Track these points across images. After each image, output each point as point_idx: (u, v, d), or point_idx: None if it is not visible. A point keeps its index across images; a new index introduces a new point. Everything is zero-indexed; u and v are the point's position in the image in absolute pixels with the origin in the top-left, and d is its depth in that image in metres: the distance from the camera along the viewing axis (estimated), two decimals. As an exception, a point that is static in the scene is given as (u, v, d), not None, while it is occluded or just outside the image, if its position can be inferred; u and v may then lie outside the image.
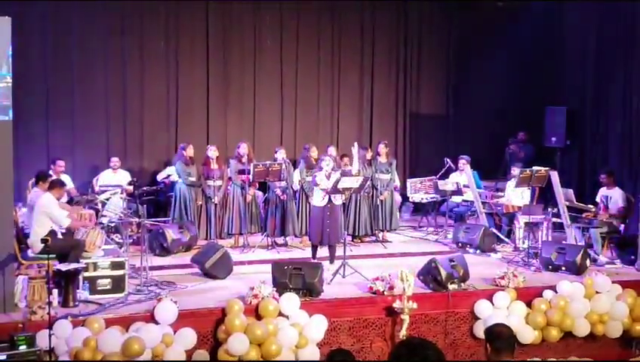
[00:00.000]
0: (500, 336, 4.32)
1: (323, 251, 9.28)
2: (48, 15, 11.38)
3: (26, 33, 10.49)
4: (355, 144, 9.61)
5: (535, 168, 10.32)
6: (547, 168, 10.42)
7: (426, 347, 3.22)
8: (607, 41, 12.11)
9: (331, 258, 9.16)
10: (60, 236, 7.94)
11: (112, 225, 9.99)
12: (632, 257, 9.67)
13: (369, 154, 11.09)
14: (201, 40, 12.49)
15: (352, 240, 10.81)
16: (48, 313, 6.48)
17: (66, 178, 10.33)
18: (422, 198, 12.41)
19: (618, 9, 11.80)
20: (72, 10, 11.55)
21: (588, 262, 9.23)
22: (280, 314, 7.42)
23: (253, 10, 12.79)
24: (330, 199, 9.04)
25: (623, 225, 10.25)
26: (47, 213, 7.79)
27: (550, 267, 9.31)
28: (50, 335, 6.38)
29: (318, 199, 9.13)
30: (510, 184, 11.06)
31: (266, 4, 12.86)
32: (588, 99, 12.65)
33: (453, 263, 8.41)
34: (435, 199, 12.22)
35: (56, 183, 8.24)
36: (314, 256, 9.22)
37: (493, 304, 8.15)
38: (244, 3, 12.71)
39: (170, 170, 11.56)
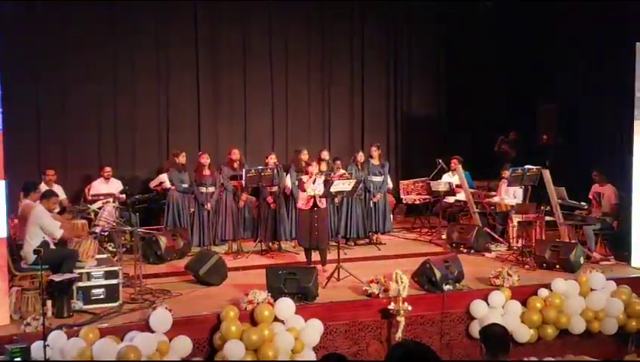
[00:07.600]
0: (495, 336, 4.33)
1: (316, 255, 9.25)
2: (38, 26, 11.35)
3: (15, 43, 10.46)
4: None
5: (527, 167, 10.34)
6: (539, 166, 10.45)
7: (421, 349, 3.21)
8: (596, 38, 12.13)
9: (323, 260, 9.14)
10: (52, 246, 7.90)
11: (105, 234, 9.96)
12: (626, 253, 9.71)
13: (361, 156, 11.06)
14: (190, 47, 12.52)
15: (346, 243, 10.83)
16: (42, 324, 6.44)
17: (58, 188, 10.29)
18: (415, 200, 12.44)
19: (608, 7, 11.84)
20: (62, 21, 11.56)
21: (582, 259, 9.27)
22: (275, 319, 7.39)
23: (242, 17, 12.82)
24: (315, 202, 9.01)
25: (615, 222, 10.29)
26: (39, 224, 7.76)
27: (544, 265, 9.34)
28: (45, 347, 6.33)
29: (303, 202, 9.13)
30: (503, 183, 11.09)
31: (256, 11, 12.88)
32: (579, 96, 12.66)
33: (447, 264, 8.42)
34: (428, 200, 12.25)
35: (47, 194, 8.19)
36: (309, 261, 9.13)
37: (488, 303, 8.15)
38: (233, 11, 12.73)
39: (162, 178, 11.53)
